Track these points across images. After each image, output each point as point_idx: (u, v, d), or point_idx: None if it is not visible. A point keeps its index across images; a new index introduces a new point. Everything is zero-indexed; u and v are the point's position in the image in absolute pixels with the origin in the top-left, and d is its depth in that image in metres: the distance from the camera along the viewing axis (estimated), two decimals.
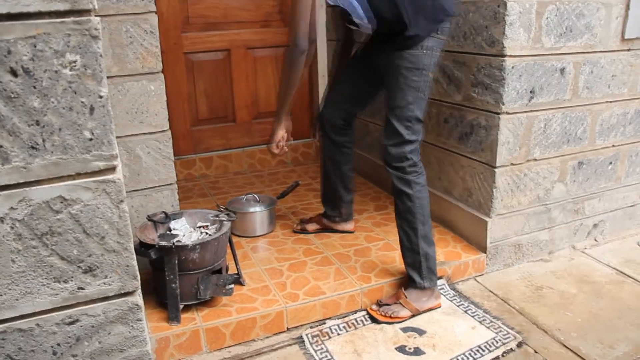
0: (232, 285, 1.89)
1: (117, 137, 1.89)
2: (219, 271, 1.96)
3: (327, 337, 1.90)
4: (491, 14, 2.06)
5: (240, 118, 3.42)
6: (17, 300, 0.88)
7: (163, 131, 2.03)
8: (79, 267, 0.91)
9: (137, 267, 0.95)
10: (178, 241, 1.86)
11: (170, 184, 2.11)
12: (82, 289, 0.92)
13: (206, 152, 3.36)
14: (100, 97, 0.85)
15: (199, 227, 2.03)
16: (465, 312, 2.02)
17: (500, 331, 1.90)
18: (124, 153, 1.98)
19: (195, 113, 3.29)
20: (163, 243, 1.78)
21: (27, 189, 0.84)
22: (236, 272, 2.05)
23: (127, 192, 2.02)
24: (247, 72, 3.35)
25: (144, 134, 2.01)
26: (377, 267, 2.18)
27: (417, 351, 1.81)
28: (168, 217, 2.00)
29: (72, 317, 0.92)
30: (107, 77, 1.83)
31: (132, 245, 0.95)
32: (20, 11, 0.78)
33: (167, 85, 2.08)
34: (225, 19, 3.20)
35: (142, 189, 2.06)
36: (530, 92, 2.14)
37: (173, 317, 1.82)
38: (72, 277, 0.91)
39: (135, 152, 2.01)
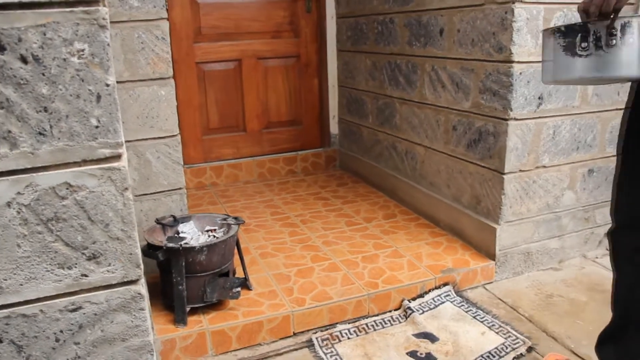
0: (239, 289, 1.89)
1: (128, 141, 1.93)
2: (226, 274, 1.96)
3: (337, 340, 1.89)
4: (498, 20, 2.08)
5: (250, 127, 3.45)
6: (21, 285, 0.90)
7: (173, 136, 2.06)
8: (83, 253, 0.92)
9: (140, 256, 0.96)
10: (186, 243, 1.87)
11: (180, 188, 2.13)
12: (86, 276, 0.93)
13: (217, 161, 3.39)
14: (107, 85, 0.87)
15: (207, 230, 2.04)
16: (474, 317, 2.00)
17: (510, 336, 1.88)
18: (134, 157, 2.00)
19: (206, 122, 3.32)
20: (171, 245, 1.80)
21: (34, 174, 0.86)
22: (243, 276, 2.05)
23: (136, 196, 2.04)
24: (257, 82, 3.39)
25: (154, 138, 2.04)
26: (385, 274, 2.17)
27: (429, 357, 1.79)
28: (176, 221, 2.02)
29: (75, 304, 0.93)
30: (119, 82, 1.87)
31: (136, 234, 0.96)
32: (32, 0, 0.81)
33: (178, 94, 2.12)
34: (236, 29, 3.25)
35: (151, 193, 2.08)
36: (539, 98, 2.14)
37: (179, 319, 1.82)
38: (76, 263, 0.92)
39: (145, 157, 2.03)
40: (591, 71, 1.22)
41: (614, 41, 1.16)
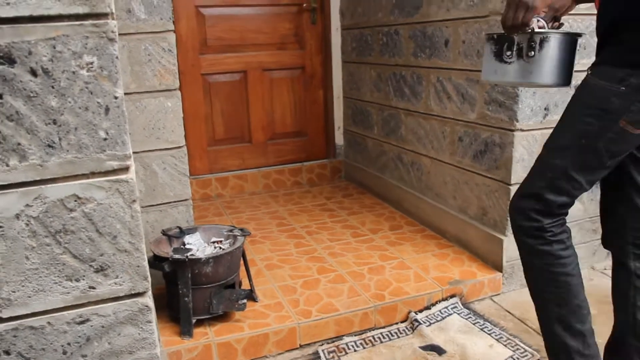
0: (245, 300, 1.89)
1: (134, 152, 1.93)
2: (232, 286, 1.95)
3: (343, 352, 1.87)
4: None
5: (256, 139, 3.45)
6: (29, 297, 0.89)
7: (179, 147, 2.07)
8: (90, 266, 0.92)
9: (147, 268, 0.96)
10: (192, 255, 1.87)
11: (186, 199, 2.13)
12: (94, 288, 0.93)
13: (222, 172, 3.40)
14: (116, 97, 0.88)
15: (213, 242, 2.04)
16: (482, 330, 1.98)
17: (518, 349, 1.86)
18: (140, 168, 2.01)
19: (212, 133, 3.33)
20: (177, 256, 1.79)
21: (42, 186, 0.86)
22: (249, 287, 2.04)
23: (142, 207, 2.04)
24: (263, 93, 3.40)
25: (160, 149, 2.04)
26: (391, 285, 2.16)
27: None
28: (182, 232, 2.02)
29: (82, 316, 0.93)
30: (125, 94, 1.88)
31: (143, 246, 0.96)
32: (42, 14, 0.82)
33: (184, 105, 2.13)
34: (242, 41, 3.27)
35: (157, 205, 2.08)
36: (545, 109, 2.14)
37: (185, 331, 1.82)
38: (84, 276, 0.92)
39: (152, 168, 2.04)
40: (515, 77, 1.36)
41: (533, 53, 1.30)
